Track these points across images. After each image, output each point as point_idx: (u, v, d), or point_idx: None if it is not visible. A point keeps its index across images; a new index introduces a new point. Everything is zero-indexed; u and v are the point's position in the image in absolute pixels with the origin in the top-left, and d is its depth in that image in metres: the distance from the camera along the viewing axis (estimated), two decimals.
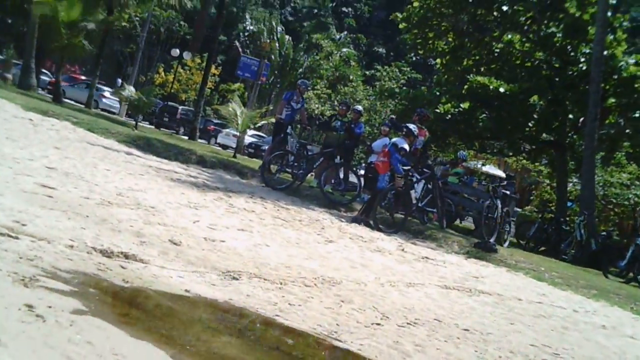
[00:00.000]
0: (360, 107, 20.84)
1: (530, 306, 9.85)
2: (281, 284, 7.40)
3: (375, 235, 13.56)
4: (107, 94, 49.14)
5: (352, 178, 17.99)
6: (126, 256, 6.79)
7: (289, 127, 18.57)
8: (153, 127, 42.88)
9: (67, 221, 7.52)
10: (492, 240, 15.74)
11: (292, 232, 11.12)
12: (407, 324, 7.20)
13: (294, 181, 17.42)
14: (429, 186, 16.75)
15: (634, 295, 13.32)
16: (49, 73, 54.57)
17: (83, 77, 60.10)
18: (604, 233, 21.78)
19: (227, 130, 41.43)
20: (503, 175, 20.73)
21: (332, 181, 17.88)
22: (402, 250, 12.52)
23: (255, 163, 20.99)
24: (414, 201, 16.19)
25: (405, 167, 15.85)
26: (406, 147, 15.75)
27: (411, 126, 16.43)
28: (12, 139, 12.48)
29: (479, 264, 13.40)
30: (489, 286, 10.77)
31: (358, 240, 12.31)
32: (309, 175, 18.86)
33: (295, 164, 17.85)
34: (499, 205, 16.50)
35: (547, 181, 29.58)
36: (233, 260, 7.89)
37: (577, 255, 18.62)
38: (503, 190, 17.28)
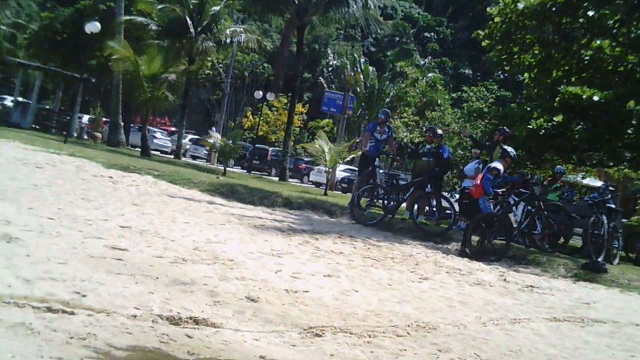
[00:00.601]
0: (440, 130, 19.97)
1: None
2: (370, 336, 6.68)
3: (475, 266, 12.74)
4: (157, 134, 52.14)
5: (445, 204, 17.22)
6: (196, 321, 6.18)
7: (376, 159, 17.86)
8: (245, 171, 42.80)
9: (134, 286, 6.97)
10: (600, 259, 14.73)
11: (383, 273, 10.39)
12: None
13: (385, 215, 16.63)
14: (529, 208, 15.85)
15: None
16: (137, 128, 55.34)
17: (173, 129, 60.88)
18: None
19: (319, 167, 40.89)
20: (602, 185, 19.50)
21: (426, 211, 17.11)
22: (504, 280, 11.67)
23: (346, 199, 20.23)
24: (514, 224, 15.30)
25: (500, 190, 15.02)
26: (500, 167, 14.89)
27: (509, 149, 15.56)
28: (88, 200, 12.11)
29: (589, 287, 12.45)
30: (602, 313, 9.86)
31: (455, 273, 11.51)
32: (401, 207, 18.08)
33: (385, 196, 17.08)
34: (605, 221, 15.44)
35: None
36: (317, 313, 7.21)
37: None
38: (608, 205, 16.19)
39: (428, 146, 17.81)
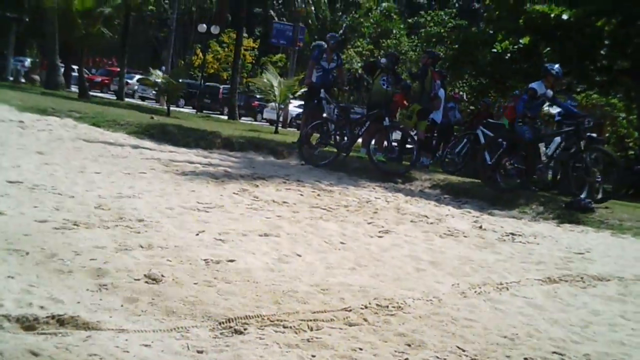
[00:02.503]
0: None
1: None
2: (312, 329, 4.74)
3: (444, 212, 10.93)
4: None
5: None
6: (60, 321, 4.24)
7: (322, 90, 15.81)
8: (195, 111, 40.69)
9: None
10: (583, 195, 12.94)
11: (334, 226, 8.47)
12: None
13: (339, 154, 14.71)
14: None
15: None
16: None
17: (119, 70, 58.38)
18: None
19: (272, 104, 38.86)
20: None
21: (384, 147, 15.22)
22: (480, 227, 9.86)
23: (296, 137, 18.12)
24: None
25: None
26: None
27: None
28: None
29: (576, 230, 10.72)
30: (601, 265, 8.05)
31: (422, 222, 9.68)
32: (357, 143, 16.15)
33: (338, 132, 15.11)
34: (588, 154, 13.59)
35: (623, 115, 26.34)
36: (241, 294, 5.25)
37: None
38: (589, 134, 14.33)
39: (386, 74, 15.74)
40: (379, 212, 10.03)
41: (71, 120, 15.76)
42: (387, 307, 5.39)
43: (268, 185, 10.95)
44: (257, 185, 10.71)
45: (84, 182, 8.94)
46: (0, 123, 13.46)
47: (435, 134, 17.76)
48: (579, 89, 24.99)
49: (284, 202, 9.61)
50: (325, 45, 16.05)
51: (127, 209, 7.61)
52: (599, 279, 7.37)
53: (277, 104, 26.73)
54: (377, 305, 5.38)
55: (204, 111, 41.97)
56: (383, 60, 16.51)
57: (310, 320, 4.87)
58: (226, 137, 16.20)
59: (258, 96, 46.26)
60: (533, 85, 13.41)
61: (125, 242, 6.21)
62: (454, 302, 5.82)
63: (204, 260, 6.03)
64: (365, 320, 5.03)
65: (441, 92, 16.63)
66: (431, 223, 9.69)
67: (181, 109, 35.37)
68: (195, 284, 5.33)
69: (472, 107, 25.86)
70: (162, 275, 5.37)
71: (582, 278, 7.30)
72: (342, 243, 7.60)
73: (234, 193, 9.77)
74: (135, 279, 5.24)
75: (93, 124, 15.79)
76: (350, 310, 5.17)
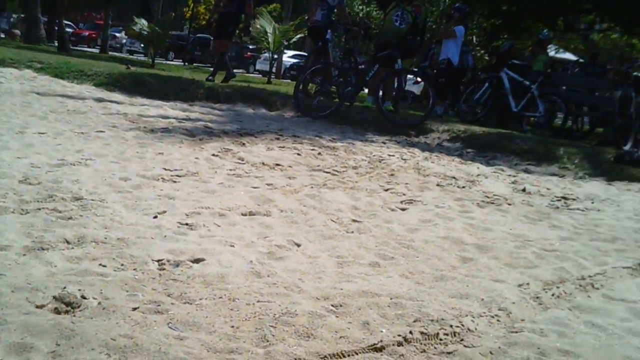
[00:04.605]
0: None
1: None
2: None
3: (472, 171, 8.99)
4: None
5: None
6: None
7: (328, 31, 13.79)
8: (184, 64, 38.67)
9: None
10: (628, 147, 11.07)
11: (343, 197, 6.47)
12: None
13: (341, 103, 12.66)
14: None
15: None
16: (70, 23, 51.36)
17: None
18: None
19: (266, 54, 36.78)
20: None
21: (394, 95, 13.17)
22: (523, 190, 7.91)
23: (292, 87, 15.98)
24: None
25: None
26: None
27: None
28: None
29: (633, 189, 8.82)
30: None
31: (450, 185, 7.71)
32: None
33: (341, 79, 13.04)
34: (635, 96, 11.63)
35: None
36: (207, 329, 3.23)
37: None
38: (636, 74, 12.36)
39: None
40: (396, 174, 8.05)
41: (31, 72, 13.78)
42: (438, 336, 3.42)
43: (257, 143, 8.94)
44: (244, 144, 8.70)
45: (20, 145, 6.92)
46: None
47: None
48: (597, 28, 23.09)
49: (277, 165, 7.61)
50: None
51: (65, 182, 5.59)
52: None
53: (270, 53, 24.76)
54: (422, 334, 3.40)
55: (194, 64, 39.92)
56: None
57: None
58: (210, 87, 14.11)
59: (250, 47, 44.30)
60: None
61: (43, 237, 4.20)
62: (532, 318, 3.86)
63: (158, 262, 4.05)
64: None
65: (459, 29, 14.53)
66: (462, 187, 7.71)
67: (170, 62, 33.36)
68: (134, 309, 3.34)
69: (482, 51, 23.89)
70: (83, 297, 3.37)
71: None
72: (355, 222, 5.60)
73: (213, 155, 7.74)
74: (38, 306, 3.25)
75: (55, 75, 13.76)
76: (383, 350, 3.21)
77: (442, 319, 3.62)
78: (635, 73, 12.35)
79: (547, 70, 15.86)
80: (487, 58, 22.89)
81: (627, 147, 11.08)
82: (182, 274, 3.88)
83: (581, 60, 19.91)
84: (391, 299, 3.87)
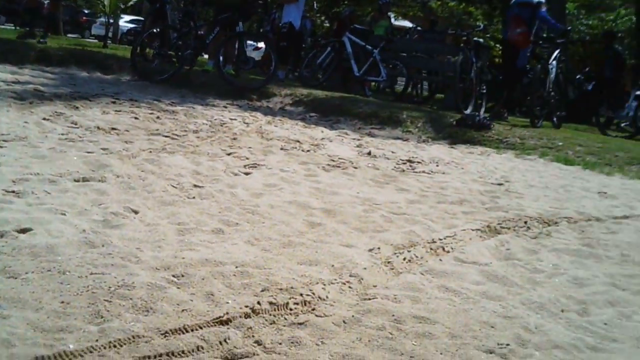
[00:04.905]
0: None
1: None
2: None
3: (317, 134, 8.83)
4: None
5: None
6: None
7: None
8: (16, 28, 36.91)
9: None
10: (469, 110, 11.18)
11: (184, 161, 6.10)
12: None
13: (181, 66, 12.24)
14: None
15: None
16: None
17: None
18: (578, 76, 17.24)
19: (102, 19, 35.50)
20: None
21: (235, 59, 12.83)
22: (369, 154, 7.82)
23: (129, 51, 15.30)
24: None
25: None
26: None
27: None
28: None
29: (475, 152, 9.00)
30: (533, 201, 6.36)
31: (295, 149, 7.50)
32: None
33: (180, 42, 12.58)
34: (475, 61, 11.72)
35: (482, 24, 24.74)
36: (25, 313, 2.91)
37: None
38: (475, 39, 12.44)
39: None
40: (239, 137, 7.77)
41: None
42: (288, 306, 3.18)
43: (92, 106, 8.43)
44: (77, 108, 8.16)
45: None
46: None
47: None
48: None
49: (113, 130, 7.17)
50: None
51: None
52: (545, 222, 5.45)
53: (106, 18, 23.89)
54: (271, 304, 3.16)
55: (27, 28, 38.11)
56: None
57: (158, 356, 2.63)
58: (42, 49, 13.36)
59: (86, 11, 42.75)
60: None
61: None
62: (385, 284, 3.69)
63: None
64: (259, 343, 2.82)
65: None
66: (307, 151, 7.51)
67: (2, 27, 31.82)
68: None
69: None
70: None
71: (525, 222, 5.38)
72: (197, 187, 5.29)
73: (44, 119, 7.20)
74: None
75: None
76: (229, 323, 2.95)
77: (292, 288, 3.39)
78: (475, 39, 12.41)
79: (388, 36, 15.84)
80: (327, 24, 22.84)
81: (468, 111, 11.17)
82: (6, 246, 3.48)
83: (419, 28, 20.04)
84: (237, 267, 3.60)
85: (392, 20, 26.79)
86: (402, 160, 7.64)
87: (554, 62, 11.81)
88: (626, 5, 29.59)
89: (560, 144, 9.70)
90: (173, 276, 3.39)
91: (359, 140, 8.80)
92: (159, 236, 4.02)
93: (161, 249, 3.79)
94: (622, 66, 16.86)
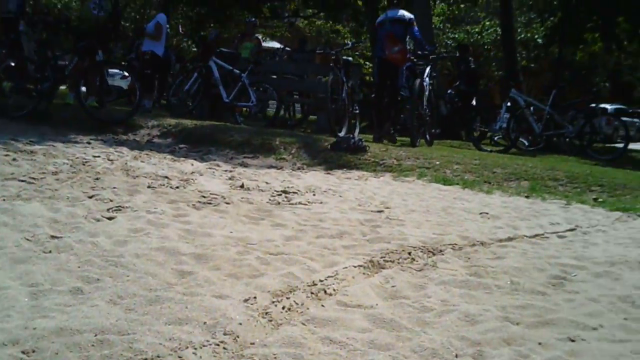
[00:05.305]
0: None
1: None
2: None
3: (186, 168, 8.46)
4: None
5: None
6: None
7: (21, 22, 12.69)
8: None
9: None
10: (342, 133, 11.02)
11: (40, 208, 5.56)
12: None
13: (39, 101, 11.57)
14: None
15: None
16: None
17: None
18: (449, 91, 17.39)
19: None
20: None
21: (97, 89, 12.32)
22: (242, 187, 7.50)
23: None
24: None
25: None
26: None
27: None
28: None
29: (352, 177, 8.81)
30: (415, 227, 6.14)
31: (163, 186, 7.09)
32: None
33: (38, 75, 11.94)
34: (345, 80, 11.56)
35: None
36: None
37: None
38: (345, 57, 12.28)
39: None
40: (102, 177, 7.28)
41: None
42: None
43: None
44: None
45: None
46: None
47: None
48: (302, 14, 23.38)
49: None
50: None
51: None
52: (430, 251, 5.23)
53: None
54: None
55: None
56: None
57: None
58: None
59: None
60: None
61: None
62: (263, 340, 3.32)
63: None
64: None
65: (161, 17, 13.91)
66: (176, 187, 7.10)
67: None
68: None
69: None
70: None
71: (409, 254, 5.12)
72: (54, 237, 4.81)
73: None
74: None
75: None
76: None
77: (158, 357, 3.00)
78: (344, 57, 12.27)
79: (255, 58, 15.57)
80: (195, 49, 22.52)
81: (342, 134, 10.99)
82: None
83: (287, 48, 19.89)
84: (96, 335, 3.18)
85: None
86: (277, 191, 7.33)
87: (427, 79, 11.79)
88: (490, 17, 30.30)
89: (438, 163, 9.62)
90: (22, 352, 2.95)
91: (231, 171, 8.45)
92: (8, 303, 3.55)
93: (10, 319, 3.32)
94: (475, 79, 17.15)
